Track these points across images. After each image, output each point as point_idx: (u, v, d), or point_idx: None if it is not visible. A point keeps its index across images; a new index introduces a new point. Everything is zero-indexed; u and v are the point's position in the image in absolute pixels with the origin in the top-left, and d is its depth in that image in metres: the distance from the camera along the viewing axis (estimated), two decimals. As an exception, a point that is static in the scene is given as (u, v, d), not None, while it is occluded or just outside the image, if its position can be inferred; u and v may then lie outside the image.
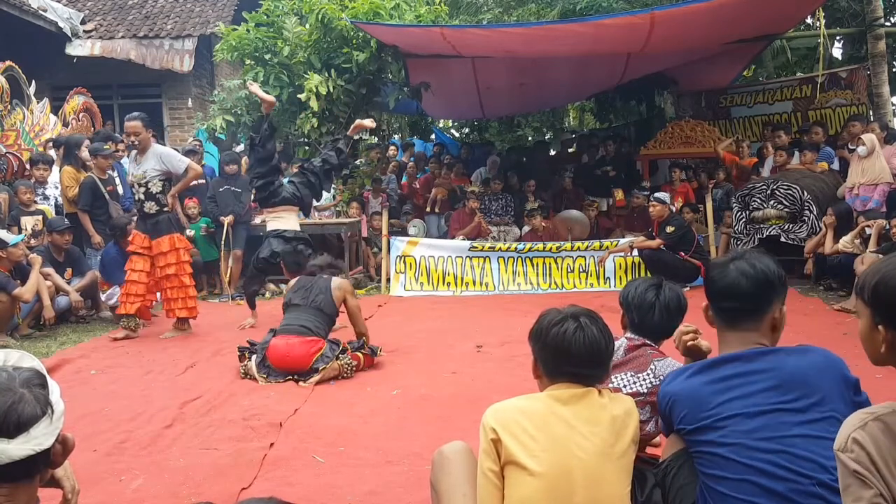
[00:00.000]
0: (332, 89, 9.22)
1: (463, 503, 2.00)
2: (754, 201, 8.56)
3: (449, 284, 8.96)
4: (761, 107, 11.62)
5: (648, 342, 2.63)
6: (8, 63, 8.77)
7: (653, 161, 10.90)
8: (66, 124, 9.33)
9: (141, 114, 6.26)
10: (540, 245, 9.03)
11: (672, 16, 7.88)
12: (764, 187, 8.51)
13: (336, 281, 5.34)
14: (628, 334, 2.72)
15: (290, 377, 4.82)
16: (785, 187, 8.33)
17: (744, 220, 8.67)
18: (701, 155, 10.44)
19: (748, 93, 11.93)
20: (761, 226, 8.52)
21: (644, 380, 2.55)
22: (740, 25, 8.58)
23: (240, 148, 10.74)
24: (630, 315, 2.73)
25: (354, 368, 4.96)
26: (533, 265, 8.96)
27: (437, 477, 2.12)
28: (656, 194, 8.43)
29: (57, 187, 7.96)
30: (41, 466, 1.46)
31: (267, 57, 9.68)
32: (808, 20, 12.21)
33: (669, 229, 7.86)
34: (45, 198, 7.95)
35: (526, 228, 9.82)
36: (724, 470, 1.87)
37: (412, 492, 3.08)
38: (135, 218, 6.60)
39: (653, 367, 2.56)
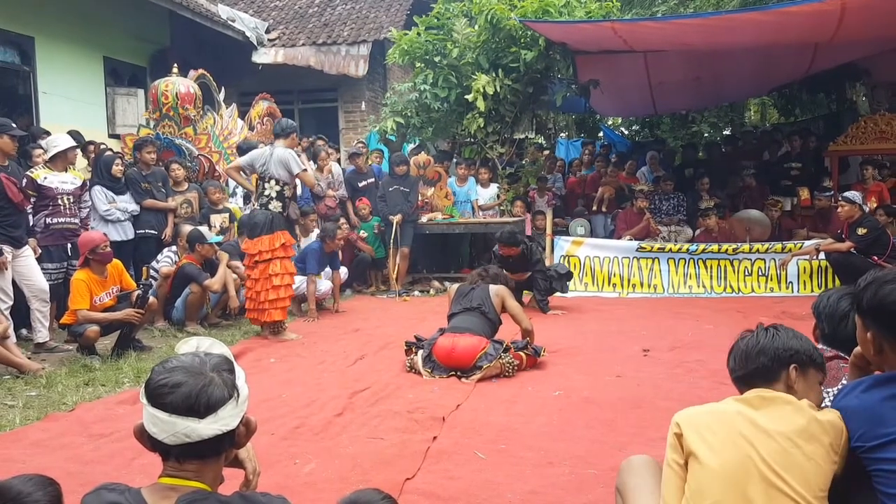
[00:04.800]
0: (498, 89, 9.29)
1: (648, 495, 2.07)
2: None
3: (615, 285, 8.76)
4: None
5: (842, 355, 2.43)
6: (201, 71, 9.57)
7: (843, 158, 10.05)
8: (251, 128, 10.03)
9: None
10: (714, 246, 8.60)
11: (866, 1, 7.20)
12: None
13: (493, 287, 5.42)
14: (820, 346, 2.52)
15: (454, 373, 4.90)
16: None
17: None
18: (897, 152, 9.52)
19: (957, 82, 10.72)
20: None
21: (834, 395, 2.36)
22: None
23: (412, 147, 11.02)
24: (821, 325, 2.56)
25: (516, 367, 4.97)
26: (706, 267, 8.56)
27: (624, 479, 2.18)
28: (845, 193, 7.79)
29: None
30: (227, 446, 1.57)
31: (436, 59, 9.90)
32: None
33: (861, 231, 7.28)
34: (234, 195, 8.59)
35: (699, 229, 9.38)
36: None
37: (574, 494, 3.03)
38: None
39: (844, 381, 2.35)
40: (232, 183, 8.49)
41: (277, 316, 6.40)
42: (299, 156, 6.81)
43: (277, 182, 6.38)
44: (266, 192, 6.42)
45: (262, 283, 6.34)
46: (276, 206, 6.40)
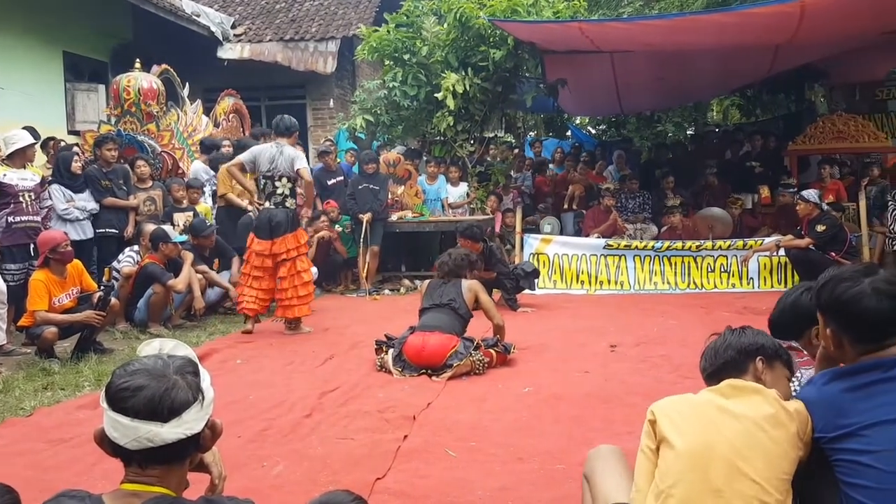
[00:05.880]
0: (468, 87, 9.30)
1: (615, 477, 2.13)
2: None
3: (583, 283, 8.82)
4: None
5: (795, 346, 2.46)
6: (164, 66, 9.41)
7: (802, 157, 10.27)
8: (216, 125, 9.89)
9: None
10: (679, 244, 8.73)
11: (825, 4, 7.34)
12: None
13: (466, 283, 5.42)
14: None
15: (424, 372, 4.89)
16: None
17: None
18: (854, 150, 9.73)
19: (908, 85, 10.99)
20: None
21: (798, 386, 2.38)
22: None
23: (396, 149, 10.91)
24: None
25: (487, 365, 4.98)
26: (671, 264, 8.66)
27: (592, 465, 2.24)
28: (803, 192, 8.01)
29: (214, 185, 8.46)
30: (191, 450, 1.53)
31: (406, 57, 9.87)
32: None
33: (820, 228, 7.48)
34: (202, 193, 8.46)
35: (664, 227, 9.50)
36: (867, 479, 1.78)
37: (543, 489, 3.05)
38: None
39: (799, 374, 2.38)
40: (204, 178, 8.44)
41: (305, 311, 6.59)
42: None
43: (289, 180, 6.44)
44: (279, 191, 6.46)
45: (289, 281, 6.42)
46: (291, 203, 6.54)
